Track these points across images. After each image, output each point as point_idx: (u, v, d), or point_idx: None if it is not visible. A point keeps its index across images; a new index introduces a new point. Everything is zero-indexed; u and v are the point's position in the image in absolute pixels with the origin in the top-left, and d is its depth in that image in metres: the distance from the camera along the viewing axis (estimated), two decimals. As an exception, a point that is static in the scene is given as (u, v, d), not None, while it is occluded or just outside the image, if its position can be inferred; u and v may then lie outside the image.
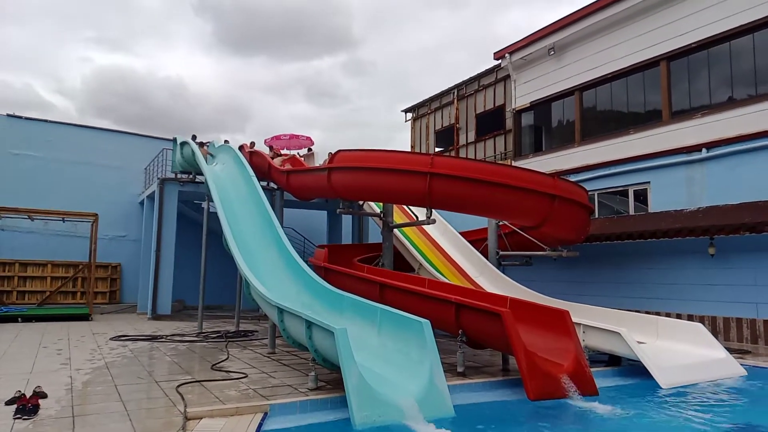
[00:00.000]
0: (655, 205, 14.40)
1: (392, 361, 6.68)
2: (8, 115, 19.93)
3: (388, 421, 5.54)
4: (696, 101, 14.08)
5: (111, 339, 11.25)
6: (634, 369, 8.44)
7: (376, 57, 69.61)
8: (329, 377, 7.47)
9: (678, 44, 14.18)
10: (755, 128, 12.35)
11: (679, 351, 8.67)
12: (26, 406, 5.51)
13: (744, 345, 11.45)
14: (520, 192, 10.12)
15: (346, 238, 21.81)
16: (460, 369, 7.71)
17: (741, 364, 8.72)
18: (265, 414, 5.72)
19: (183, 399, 6.09)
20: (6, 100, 49.64)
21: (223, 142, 16.61)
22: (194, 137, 16.70)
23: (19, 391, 6.05)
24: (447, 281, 11.04)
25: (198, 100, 63.32)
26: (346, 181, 11.60)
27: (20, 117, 20.11)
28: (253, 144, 17.58)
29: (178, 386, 6.78)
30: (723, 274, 12.35)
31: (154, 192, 17.51)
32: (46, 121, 20.84)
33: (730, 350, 9.33)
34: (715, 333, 11.53)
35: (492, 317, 7.18)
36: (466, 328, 7.83)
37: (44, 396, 6.15)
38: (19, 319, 14.58)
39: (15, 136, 19.60)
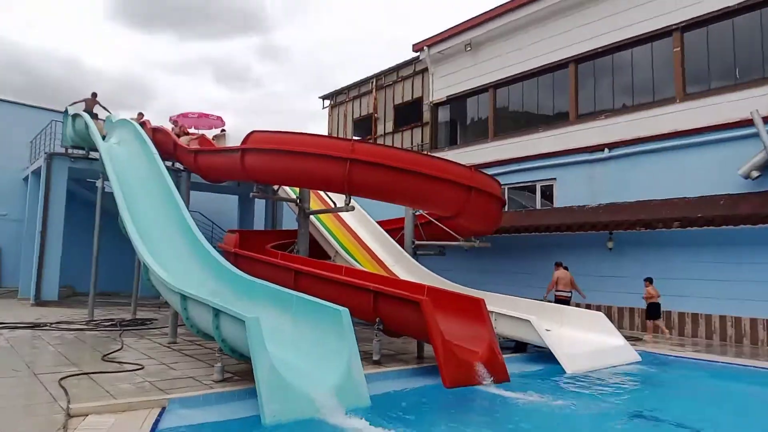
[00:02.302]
0: (560, 200, 15.12)
1: (309, 352, 6.36)
2: None
3: (300, 415, 5.23)
4: (600, 104, 14.90)
5: (-16, 328, 9.95)
6: (541, 355, 8.74)
7: (291, 43, 67.93)
8: (237, 368, 7.01)
9: (586, 48, 14.92)
10: (650, 131, 13.26)
11: (582, 338, 9.11)
12: None
13: (635, 332, 12.32)
14: (439, 182, 10.13)
15: (259, 224, 20.98)
16: (375, 357, 7.55)
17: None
18: (163, 409, 5.21)
19: (66, 393, 5.39)
20: None
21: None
22: (95, 95, 15.21)
23: None
24: (364, 269, 10.84)
25: (95, 75, 58.36)
26: (260, 163, 11.03)
27: None
28: (141, 115, 16.27)
29: (62, 379, 6.03)
30: (618, 267, 13.22)
31: (40, 167, 15.78)
32: None
33: (624, 338, 9.93)
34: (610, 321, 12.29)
35: (411, 305, 7.09)
36: (384, 316, 7.68)
37: None
38: None
39: None
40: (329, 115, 25.57)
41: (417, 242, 13.95)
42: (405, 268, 12.67)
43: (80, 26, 62.43)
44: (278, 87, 66.06)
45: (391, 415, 5.54)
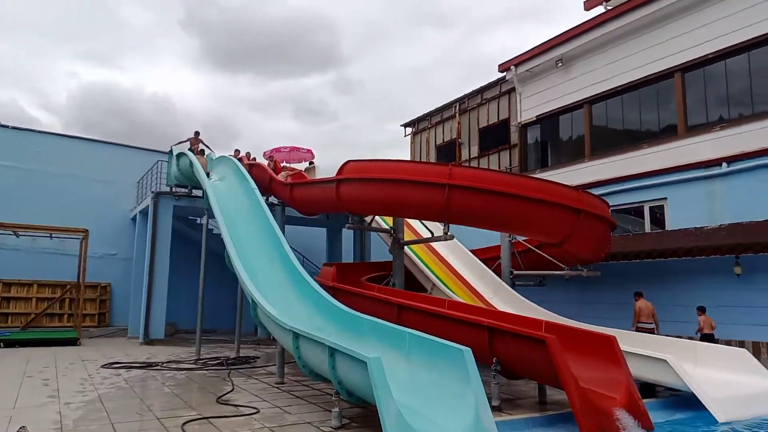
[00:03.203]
0: (673, 222, 13.84)
1: (426, 395, 5.92)
2: (-7, 125, 19.03)
3: (433, 468, 4.79)
4: (713, 114, 13.64)
5: (102, 366, 10.34)
6: (679, 400, 7.78)
7: (365, 75, 69.29)
8: (352, 412, 6.71)
9: (693, 55, 13.77)
10: (779, 141, 11.90)
11: (728, 380, 7.98)
12: (9, 455, 4.68)
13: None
14: (545, 206, 9.52)
15: (347, 256, 21.01)
16: (495, 402, 6.96)
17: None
18: (289, 461, 4.95)
19: (192, 442, 5.30)
20: (-9, 115, 48.41)
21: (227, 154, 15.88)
22: (197, 133, 15.91)
23: (1, 435, 5.22)
24: (469, 303, 10.33)
25: (185, 117, 62.26)
26: (356, 193, 10.93)
27: (6, 126, 19.16)
28: (248, 155, 16.89)
29: (184, 424, 5.98)
30: (750, 295, 11.78)
31: (147, 207, 16.63)
32: (33, 131, 19.84)
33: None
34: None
35: (534, 344, 6.50)
36: (502, 356, 7.12)
37: (30, 440, 5.33)
38: (1, 344, 13.56)
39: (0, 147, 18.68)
40: (411, 143, 25.46)
41: (515, 272, 13.25)
42: (505, 300, 11.99)
43: (172, 72, 67.30)
44: (352, 119, 67.43)
45: (531, 472, 4.97)
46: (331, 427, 5.99)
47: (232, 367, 10.42)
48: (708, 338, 10.62)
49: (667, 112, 14.73)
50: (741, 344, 11.53)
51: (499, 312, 8.99)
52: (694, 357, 8.78)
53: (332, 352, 6.17)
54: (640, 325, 11.23)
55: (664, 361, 7.54)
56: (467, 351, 5.75)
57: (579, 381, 6.06)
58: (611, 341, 6.74)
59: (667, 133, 14.45)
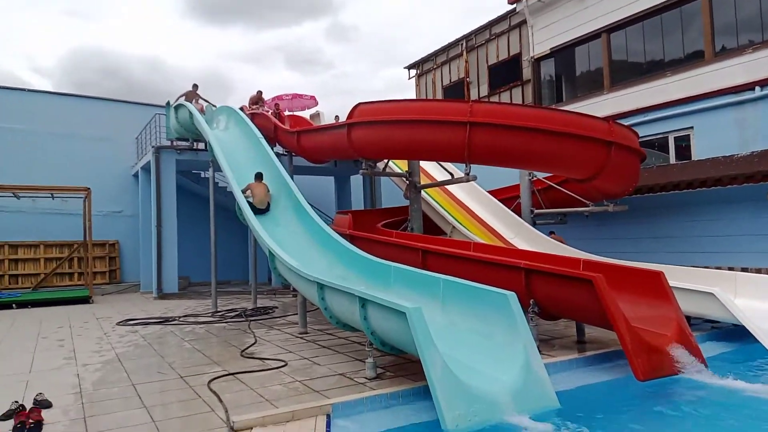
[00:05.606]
0: (699, 152, 13.22)
1: (468, 345, 5.53)
2: (-18, 86, 18.21)
3: (485, 420, 4.43)
4: (744, 36, 12.75)
5: (118, 324, 10.05)
6: (719, 333, 7.46)
7: (359, 20, 66.64)
8: (385, 360, 6.37)
9: (722, -28, 12.77)
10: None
11: (770, 310, 7.61)
12: (25, 423, 4.33)
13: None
14: (574, 140, 8.91)
15: (356, 204, 20.52)
16: (534, 344, 6.61)
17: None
18: (328, 417, 4.60)
19: (221, 401, 4.95)
20: (-20, 79, 46.80)
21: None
22: (195, 86, 15.12)
23: (17, 402, 4.87)
24: (496, 245, 9.89)
25: (177, 73, 60.22)
26: (369, 137, 10.31)
27: (-6, 87, 18.37)
28: (260, 93, 16.09)
29: (210, 382, 5.64)
30: (784, 223, 11.30)
31: (148, 162, 16.06)
32: (25, 90, 19.03)
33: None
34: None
35: (579, 284, 6.05)
36: (540, 297, 6.70)
37: (48, 405, 4.98)
38: (14, 305, 13.34)
39: (-8, 108, 17.91)
40: (416, 85, 24.46)
41: (536, 211, 12.77)
42: (527, 239, 11.57)
43: (160, 28, 64.85)
44: (349, 67, 65.34)
45: (590, 418, 4.61)
46: (365, 378, 5.64)
47: (252, 318, 10.12)
48: None
49: (691, 37, 13.81)
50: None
51: (534, 252, 8.54)
52: (733, 288, 8.39)
53: (364, 302, 5.75)
54: None
55: (711, 294, 7.12)
56: (512, 296, 5.31)
57: (630, 320, 5.65)
58: (659, 276, 6.31)
59: (693, 59, 13.60)
